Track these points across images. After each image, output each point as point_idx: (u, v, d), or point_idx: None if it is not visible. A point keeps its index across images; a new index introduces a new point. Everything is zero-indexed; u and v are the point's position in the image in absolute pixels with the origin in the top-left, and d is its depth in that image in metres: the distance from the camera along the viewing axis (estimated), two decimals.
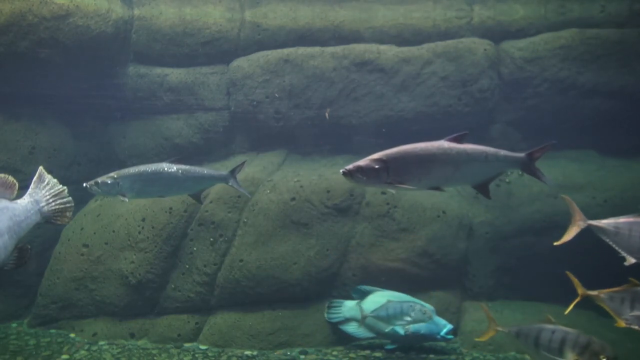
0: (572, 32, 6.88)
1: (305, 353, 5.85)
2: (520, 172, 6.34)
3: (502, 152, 4.43)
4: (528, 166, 4.50)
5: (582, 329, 4.24)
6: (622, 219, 4.07)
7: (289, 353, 5.84)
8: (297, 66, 7.00)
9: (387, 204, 6.33)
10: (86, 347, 5.90)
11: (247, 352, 5.86)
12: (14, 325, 6.42)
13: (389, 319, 5.57)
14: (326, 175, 6.51)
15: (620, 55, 6.74)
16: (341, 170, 4.22)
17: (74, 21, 6.51)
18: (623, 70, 6.75)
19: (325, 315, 6.03)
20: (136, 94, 7.28)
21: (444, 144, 4.29)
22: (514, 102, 7.04)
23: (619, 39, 6.76)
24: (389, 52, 6.99)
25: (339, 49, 7.04)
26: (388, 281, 6.08)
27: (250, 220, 6.26)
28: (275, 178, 6.60)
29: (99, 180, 5.14)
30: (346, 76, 6.94)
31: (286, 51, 7.10)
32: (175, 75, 7.23)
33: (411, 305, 5.52)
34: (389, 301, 5.66)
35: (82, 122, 7.35)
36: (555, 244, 4.23)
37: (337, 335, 6.02)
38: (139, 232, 6.30)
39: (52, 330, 6.27)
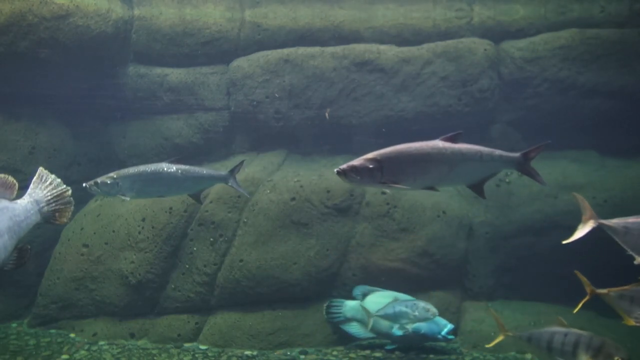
0: (572, 32, 6.88)
1: (305, 353, 5.85)
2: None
3: (497, 151, 4.42)
4: (523, 166, 4.48)
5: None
6: (631, 219, 4.05)
7: (289, 353, 5.84)
8: (297, 66, 7.00)
9: (387, 204, 6.33)
10: (86, 347, 5.90)
11: (247, 352, 5.86)
12: (14, 325, 6.42)
13: (396, 317, 5.54)
14: (326, 175, 6.50)
15: (620, 55, 6.74)
16: (335, 170, 4.20)
17: (74, 21, 6.51)
18: (623, 70, 6.75)
19: (325, 314, 6.02)
20: (136, 94, 7.28)
21: (438, 143, 4.27)
22: (514, 102, 7.05)
23: (619, 39, 6.76)
24: (389, 52, 6.99)
25: (339, 49, 7.04)
26: (388, 281, 6.08)
27: (250, 220, 6.26)
28: (275, 178, 6.60)
29: (99, 180, 5.14)
30: (346, 76, 6.94)
31: (286, 51, 7.10)
32: (175, 75, 7.23)
33: (415, 304, 5.50)
34: (395, 300, 5.64)
35: (82, 122, 7.35)
36: (564, 242, 4.20)
37: (337, 335, 6.02)
38: (139, 232, 6.30)
39: (52, 330, 6.27)
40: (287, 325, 6.06)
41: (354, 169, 4.16)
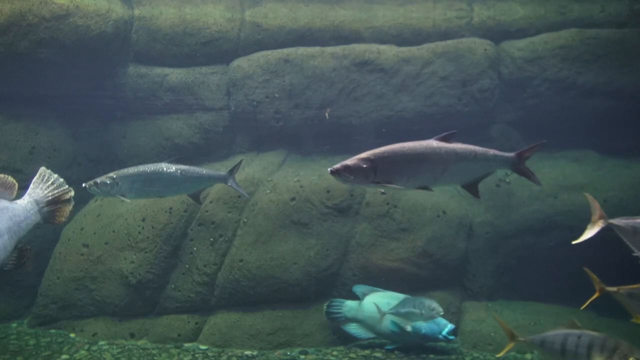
0: (572, 32, 6.88)
1: (305, 353, 5.85)
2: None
3: (491, 151, 4.40)
4: (517, 166, 4.46)
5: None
6: (639, 219, 4.05)
7: (288, 353, 5.84)
8: (297, 66, 7.00)
9: (387, 204, 6.32)
10: (86, 347, 5.90)
11: (247, 352, 5.86)
12: (14, 325, 6.42)
13: (408, 316, 5.54)
14: (326, 175, 6.48)
15: (620, 55, 6.74)
16: (329, 169, 4.20)
17: (74, 21, 6.51)
18: (623, 70, 6.75)
19: (325, 314, 6.02)
20: (136, 94, 7.28)
21: (432, 143, 4.25)
22: (514, 102, 7.04)
23: (619, 39, 6.76)
24: (389, 52, 6.98)
25: (339, 49, 7.04)
26: (388, 281, 6.09)
27: (250, 220, 6.26)
28: (275, 178, 6.60)
29: (98, 180, 5.14)
30: (346, 76, 6.94)
31: (286, 51, 7.10)
32: (175, 75, 7.23)
33: (421, 302, 5.49)
34: (406, 298, 5.63)
35: (82, 122, 7.35)
36: (573, 242, 4.19)
37: (337, 335, 6.02)
38: (139, 232, 6.30)
39: (52, 330, 6.27)
40: (287, 325, 6.06)
41: (347, 168, 4.15)
